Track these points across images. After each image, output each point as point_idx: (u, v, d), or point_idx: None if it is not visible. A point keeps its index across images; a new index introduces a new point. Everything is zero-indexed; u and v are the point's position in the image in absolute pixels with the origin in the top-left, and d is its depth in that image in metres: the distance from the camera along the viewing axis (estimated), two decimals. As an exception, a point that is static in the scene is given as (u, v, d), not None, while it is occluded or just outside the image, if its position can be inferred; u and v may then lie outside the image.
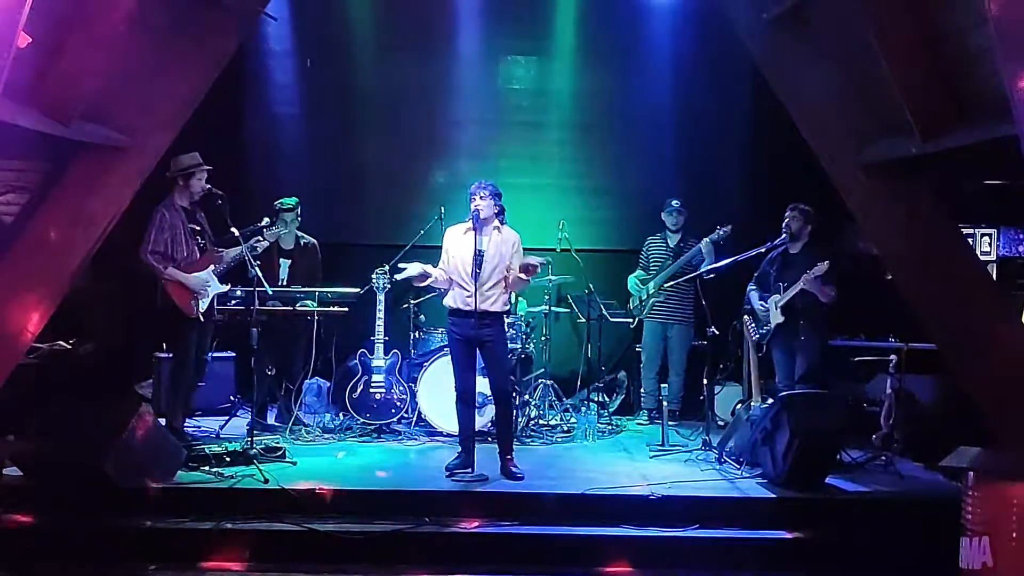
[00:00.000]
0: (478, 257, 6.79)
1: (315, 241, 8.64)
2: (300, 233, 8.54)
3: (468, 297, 6.80)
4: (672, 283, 8.74)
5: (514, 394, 8.01)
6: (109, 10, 5.69)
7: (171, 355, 7.87)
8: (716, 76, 9.85)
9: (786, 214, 7.80)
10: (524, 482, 6.72)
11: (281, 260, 8.45)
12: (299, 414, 8.29)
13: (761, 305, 7.87)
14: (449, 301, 7.01)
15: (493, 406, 7.58)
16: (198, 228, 7.54)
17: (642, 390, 9.33)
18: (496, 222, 6.92)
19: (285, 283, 8.41)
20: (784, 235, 7.70)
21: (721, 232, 8.62)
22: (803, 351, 7.68)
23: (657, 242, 9.27)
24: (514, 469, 6.85)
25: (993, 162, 6.90)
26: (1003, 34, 4.31)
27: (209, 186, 7.43)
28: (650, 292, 9.06)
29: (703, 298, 8.01)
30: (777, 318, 7.69)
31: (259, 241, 7.74)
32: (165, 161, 7.17)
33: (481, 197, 6.83)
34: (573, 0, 9.92)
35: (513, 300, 8.01)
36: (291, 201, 8.36)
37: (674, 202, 9.14)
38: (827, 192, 7.26)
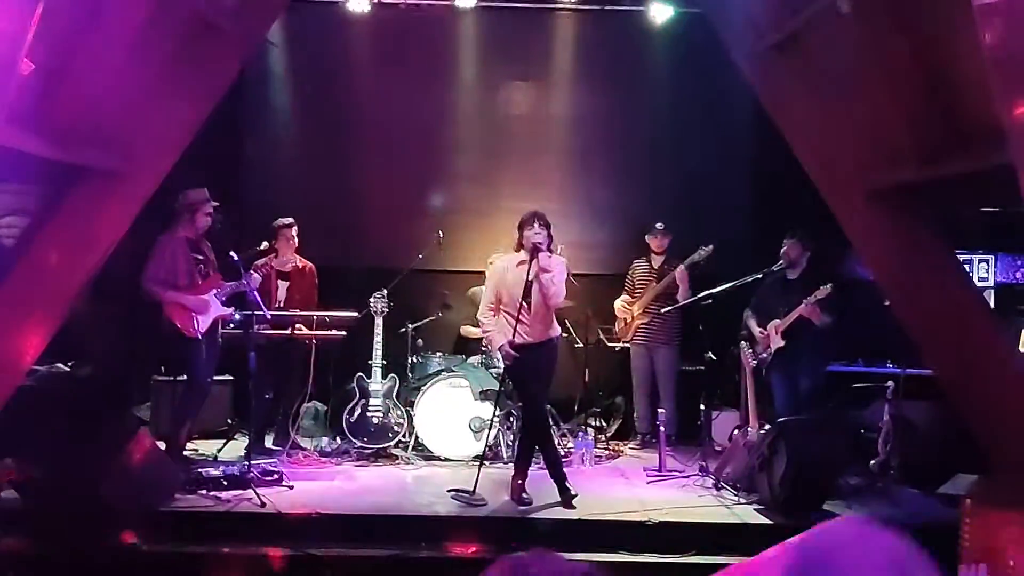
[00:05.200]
0: (528, 287, 6.80)
1: (312, 265, 8.66)
2: (297, 256, 8.56)
3: (526, 329, 6.83)
4: (664, 308, 8.78)
5: (511, 417, 8.04)
6: (111, 36, 5.73)
7: (174, 378, 7.91)
8: (715, 101, 9.87)
9: (784, 242, 7.87)
10: (521, 507, 6.73)
11: (279, 283, 8.48)
12: (296, 438, 8.29)
13: (760, 331, 7.91)
14: (501, 338, 6.92)
15: (491, 431, 7.63)
16: (201, 258, 7.62)
17: (635, 415, 9.33)
18: (546, 252, 6.90)
19: (282, 305, 8.44)
20: (781, 262, 7.75)
21: (702, 252, 8.65)
22: (804, 375, 7.74)
23: (642, 265, 9.30)
24: (524, 495, 6.86)
25: (991, 189, 6.92)
26: (998, 63, 4.34)
27: (211, 213, 7.52)
28: (635, 315, 9.09)
29: (700, 323, 8.03)
30: (777, 343, 7.73)
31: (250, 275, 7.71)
32: (166, 186, 7.20)
33: (541, 226, 6.85)
34: (572, 26, 9.99)
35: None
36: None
37: (658, 224, 9.18)
38: (825, 218, 7.29)
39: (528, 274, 6.79)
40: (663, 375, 9.11)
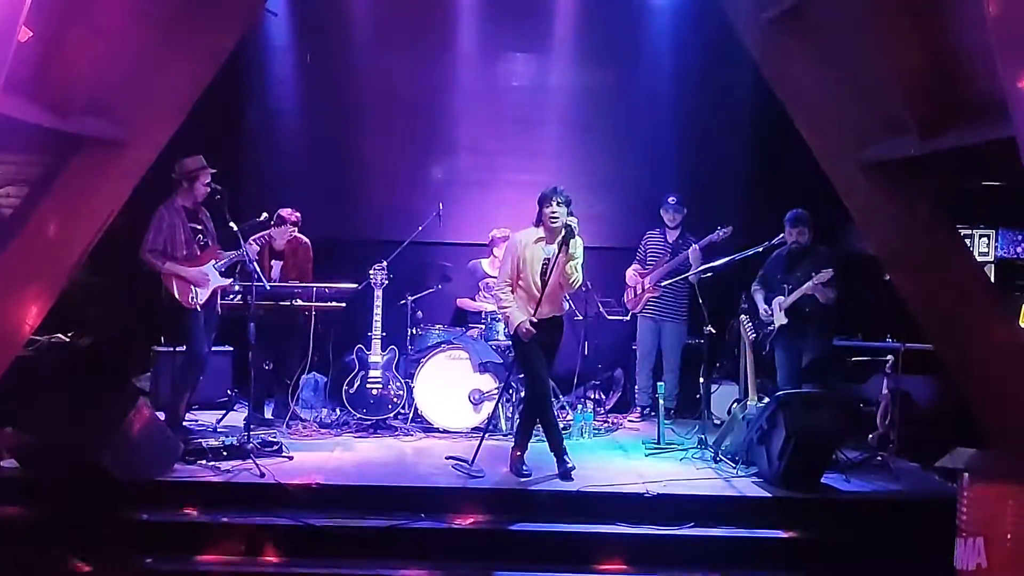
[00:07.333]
0: (546, 266, 6.77)
1: (308, 241, 8.63)
2: (294, 232, 8.54)
3: (538, 306, 6.77)
4: (666, 281, 8.79)
5: (511, 390, 8.04)
6: (110, 4, 5.69)
7: (174, 349, 7.91)
8: (716, 73, 9.83)
9: (790, 231, 7.80)
10: (520, 479, 6.74)
11: (273, 261, 8.47)
12: (296, 409, 8.31)
13: (765, 308, 7.88)
14: (521, 315, 6.81)
15: (490, 403, 7.64)
16: (199, 227, 7.62)
17: (636, 387, 9.33)
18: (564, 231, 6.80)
19: (278, 281, 8.41)
20: (782, 236, 7.73)
21: (721, 232, 8.61)
22: (808, 351, 7.72)
23: (656, 237, 9.26)
24: (523, 467, 6.86)
25: (992, 162, 6.89)
26: (1001, 34, 4.31)
27: (209, 181, 7.51)
28: (645, 287, 9.07)
29: (700, 296, 8.02)
30: (781, 320, 7.71)
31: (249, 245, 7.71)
32: (165, 156, 7.18)
33: (558, 204, 6.76)
34: (573, -3, 9.94)
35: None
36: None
37: (671, 199, 9.14)
38: (826, 191, 7.26)
39: (552, 254, 6.75)
40: (669, 349, 9.12)
